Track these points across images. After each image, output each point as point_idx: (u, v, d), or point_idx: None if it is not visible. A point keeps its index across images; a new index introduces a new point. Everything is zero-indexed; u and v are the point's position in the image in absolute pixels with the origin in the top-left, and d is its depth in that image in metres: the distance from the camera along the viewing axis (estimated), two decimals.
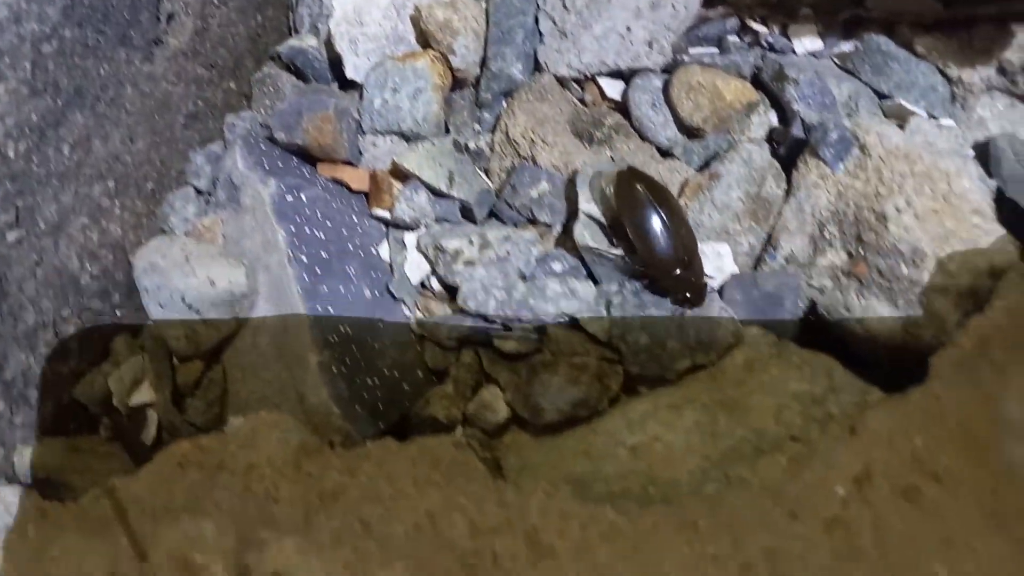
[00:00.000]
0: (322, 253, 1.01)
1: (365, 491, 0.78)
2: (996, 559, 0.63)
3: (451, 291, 1.04)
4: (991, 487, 0.65)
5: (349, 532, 0.74)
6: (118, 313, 1.08)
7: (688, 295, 0.95)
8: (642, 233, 0.96)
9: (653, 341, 0.95)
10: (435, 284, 1.06)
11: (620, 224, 0.98)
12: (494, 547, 0.72)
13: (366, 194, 1.14)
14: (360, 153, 1.17)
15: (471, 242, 1.01)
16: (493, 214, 1.09)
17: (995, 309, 0.79)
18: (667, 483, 0.78)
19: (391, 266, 1.07)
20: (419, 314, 1.05)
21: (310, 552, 0.71)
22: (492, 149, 1.14)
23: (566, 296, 0.98)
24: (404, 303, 1.06)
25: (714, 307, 0.97)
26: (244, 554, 0.72)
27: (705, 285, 0.96)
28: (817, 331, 1.01)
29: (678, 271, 0.95)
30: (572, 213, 1.04)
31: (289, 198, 1.02)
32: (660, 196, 0.97)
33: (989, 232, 0.90)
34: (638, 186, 0.97)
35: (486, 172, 1.15)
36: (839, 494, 0.69)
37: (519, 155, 1.11)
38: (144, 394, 1.04)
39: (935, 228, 0.91)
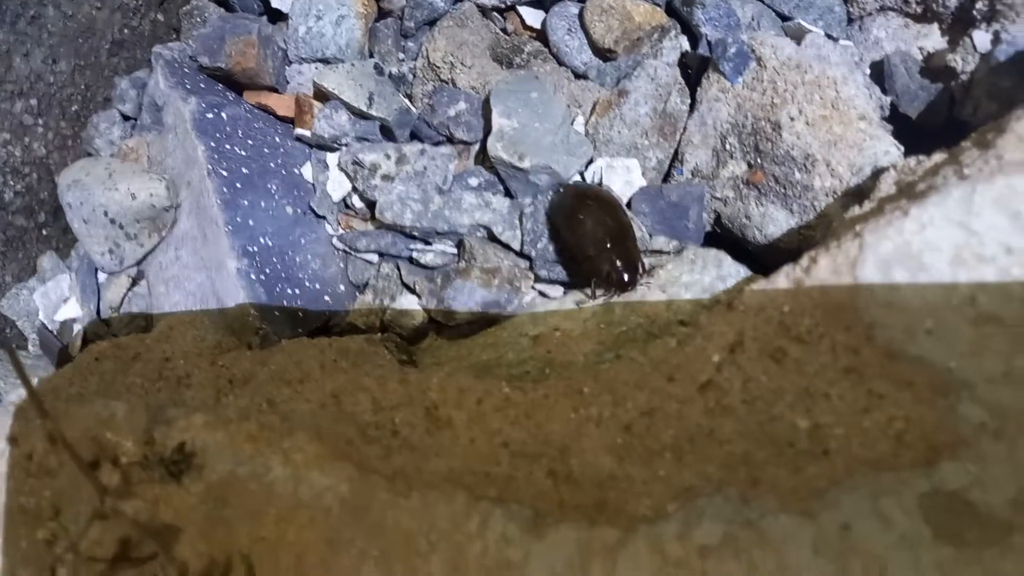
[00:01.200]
0: (243, 169, 1.04)
1: (274, 375, 0.81)
2: (850, 407, 0.68)
3: (372, 208, 1.07)
4: (851, 346, 0.70)
5: (255, 410, 0.77)
6: (44, 232, 1.09)
7: (611, 277, 0.91)
8: (568, 227, 0.97)
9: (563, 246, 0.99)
10: (356, 202, 1.09)
11: (556, 228, 1.00)
12: (394, 420, 0.76)
13: (292, 120, 1.16)
14: (287, 82, 1.19)
15: (388, 156, 1.04)
16: (414, 135, 1.12)
17: (869, 202, 0.84)
18: (563, 364, 0.82)
19: (314, 186, 1.10)
20: (341, 230, 1.08)
21: (216, 426, 0.75)
22: (415, 76, 1.18)
23: (481, 208, 1.02)
24: (326, 220, 1.09)
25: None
26: (153, 430, 0.75)
27: (624, 269, 0.91)
28: (723, 243, 1.05)
29: (593, 252, 0.92)
30: (488, 130, 1.07)
31: (210, 115, 1.05)
32: (587, 200, 0.97)
33: (874, 136, 0.95)
34: (570, 194, 0.99)
35: (409, 98, 1.18)
36: (714, 360, 0.74)
37: (440, 79, 1.14)
38: (71, 309, 1.07)
39: (824, 134, 0.96)
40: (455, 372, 0.79)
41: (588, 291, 0.93)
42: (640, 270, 0.91)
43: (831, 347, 0.70)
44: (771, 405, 0.69)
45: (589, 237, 0.93)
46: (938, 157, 0.83)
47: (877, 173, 0.91)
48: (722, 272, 0.87)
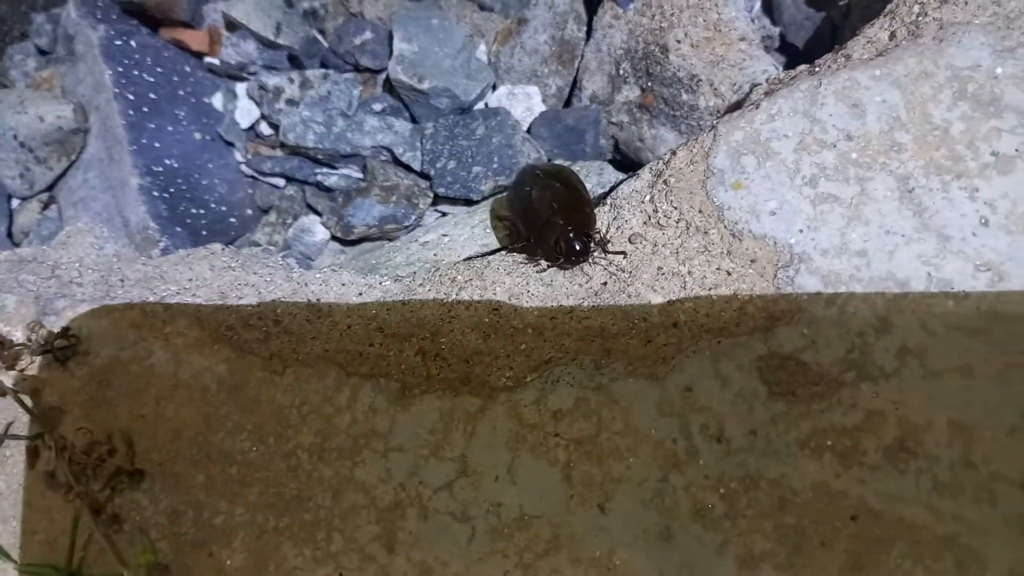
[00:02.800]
0: (150, 95, 1.06)
1: (164, 276, 0.83)
2: (699, 284, 0.71)
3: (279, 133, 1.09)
4: (702, 227, 0.74)
5: (142, 303, 0.79)
6: None
7: (559, 246, 0.75)
8: (518, 198, 0.86)
9: (459, 165, 1.02)
10: (265, 130, 1.11)
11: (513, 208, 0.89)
12: (276, 310, 0.78)
13: (206, 54, 1.18)
14: (204, 19, 1.21)
15: (292, 80, 1.06)
16: (323, 65, 1.14)
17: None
18: (447, 266, 0.85)
19: (223, 114, 1.12)
20: (249, 157, 1.10)
21: (101, 315, 0.77)
22: (327, 11, 1.20)
23: (383, 131, 1.05)
24: (235, 147, 1.11)
25: (517, 138, 1.04)
26: (42, 319, 0.77)
27: (574, 238, 0.75)
28: (623, 168, 1.09)
29: (539, 221, 0.79)
30: (391, 56, 1.10)
31: (118, 42, 1.06)
32: (537, 170, 0.86)
33: (753, 56, 0.99)
34: (524, 170, 0.88)
35: (322, 33, 1.20)
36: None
37: (349, 12, 1.17)
38: None
39: (708, 55, 1.00)
40: (340, 268, 0.81)
41: (538, 264, 0.78)
42: (591, 239, 0.75)
43: (685, 229, 0.74)
44: (628, 285, 0.73)
45: (536, 205, 0.81)
46: (802, 67, 0.88)
47: (752, 88, 0.95)
48: (603, 179, 0.91)
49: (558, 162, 0.97)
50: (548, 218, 0.77)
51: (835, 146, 0.73)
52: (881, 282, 0.68)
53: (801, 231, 0.71)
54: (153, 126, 1.03)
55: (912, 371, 0.66)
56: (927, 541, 0.61)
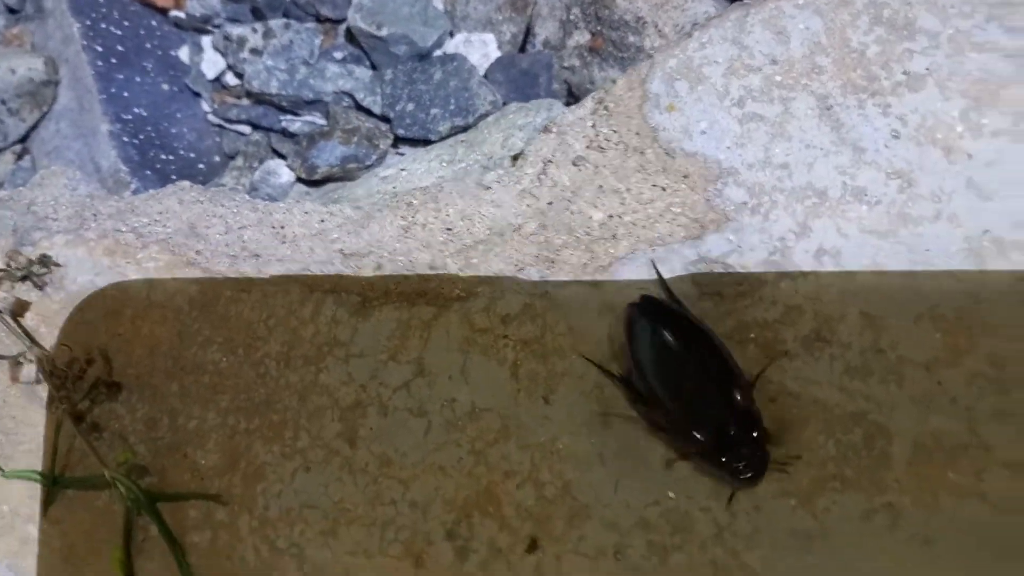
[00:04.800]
0: (118, 47, 1.10)
1: (135, 209, 0.88)
2: (636, 199, 0.77)
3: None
4: (639, 148, 0.79)
5: (115, 233, 0.84)
6: None
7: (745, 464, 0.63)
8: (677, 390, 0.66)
9: (418, 107, 1.07)
10: (231, 80, 1.15)
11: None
12: (243, 237, 0.83)
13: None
14: None
15: (255, 31, 1.11)
16: (285, 15, 1.19)
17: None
18: (404, 193, 0.90)
19: (190, 66, 1.16)
20: (215, 106, 1.15)
21: (77, 244, 0.81)
22: None
23: (344, 76, 1.09)
24: (202, 97, 1.15)
25: (473, 82, 1.09)
26: (19, 248, 0.81)
27: (764, 452, 0.64)
28: None
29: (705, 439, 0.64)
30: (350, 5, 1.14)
31: None
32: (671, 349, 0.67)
33: None
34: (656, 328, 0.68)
35: None
36: (528, 173, 0.83)
37: None
38: None
39: None
40: (302, 199, 0.86)
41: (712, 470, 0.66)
42: (768, 456, 0.64)
43: (623, 151, 0.80)
44: (571, 203, 0.79)
45: (693, 414, 0.65)
46: (735, 4, 0.93)
47: (693, 28, 1.01)
48: (552, 114, 0.96)
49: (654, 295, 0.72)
50: (718, 441, 0.63)
51: (761, 70, 0.79)
52: (801, 191, 0.75)
53: (729, 148, 0.77)
54: (121, 77, 1.07)
55: (828, 270, 0.72)
56: (839, 418, 0.67)
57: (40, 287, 0.78)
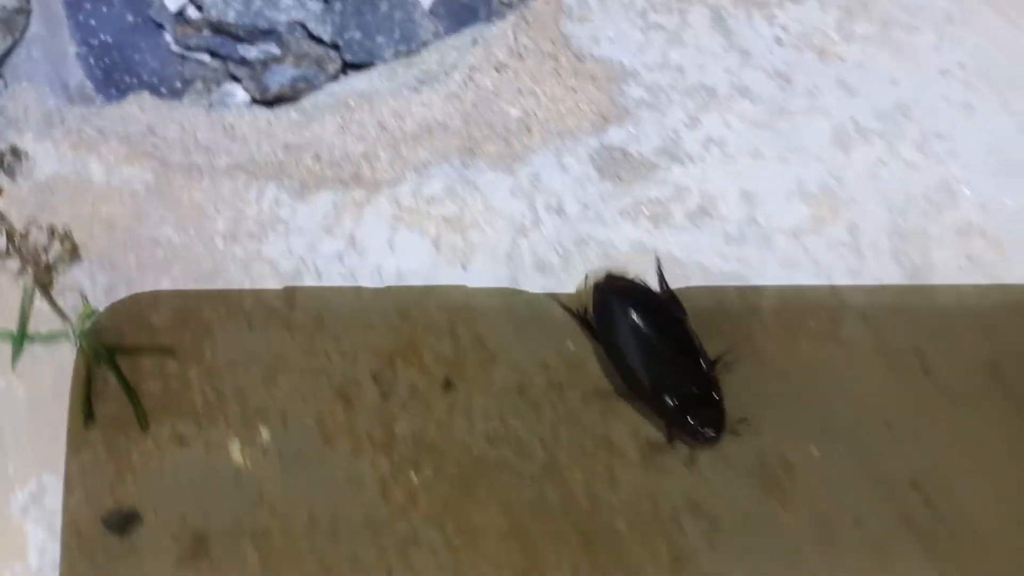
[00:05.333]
0: None
1: (100, 114, 0.96)
2: (550, 99, 0.86)
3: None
4: (552, 54, 0.89)
5: (79, 131, 0.92)
6: None
7: (698, 437, 0.71)
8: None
9: (365, 36, 1.15)
10: (192, 13, 1.23)
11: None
12: (196, 136, 0.91)
13: None
14: None
15: None
16: None
17: None
18: (342, 97, 0.98)
19: (153, 0, 1.24)
20: (177, 36, 1.22)
21: (44, 139, 0.90)
22: None
23: (296, 8, 1.18)
24: (164, 28, 1.23)
25: (417, 13, 1.18)
26: None
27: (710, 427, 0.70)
28: None
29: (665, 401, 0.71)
30: None
31: None
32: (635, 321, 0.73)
33: None
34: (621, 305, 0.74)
35: None
36: (455, 79, 0.91)
37: None
38: None
39: None
40: (253, 105, 0.95)
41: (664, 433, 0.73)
42: (723, 424, 0.70)
43: (540, 57, 0.89)
44: (492, 103, 0.88)
45: (643, 375, 0.72)
46: None
47: None
48: (484, 35, 1.05)
49: (634, 277, 0.78)
50: (670, 405, 0.70)
51: None
52: (693, 90, 0.84)
53: (632, 53, 0.86)
54: (89, 7, 1.15)
55: (714, 156, 0.82)
56: (716, 278, 0.77)
57: (11, 176, 0.86)
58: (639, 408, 0.74)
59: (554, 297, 0.77)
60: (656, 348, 0.72)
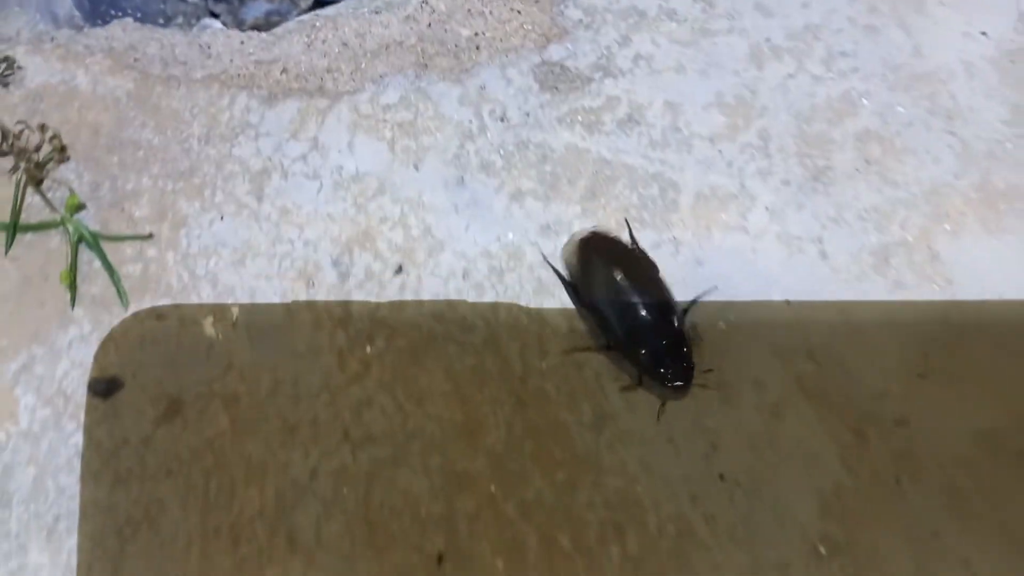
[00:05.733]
0: None
1: (86, 35, 1.03)
2: (498, 19, 0.94)
3: None
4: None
5: (67, 46, 0.99)
6: None
7: (671, 372, 0.76)
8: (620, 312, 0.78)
9: None
10: None
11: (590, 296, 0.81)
12: (175, 51, 0.99)
13: None
14: None
15: None
16: None
17: None
18: (309, 18, 1.06)
19: None
20: None
21: (35, 53, 0.97)
22: None
23: None
24: None
25: None
26: None
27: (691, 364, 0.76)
28: None
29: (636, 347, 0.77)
30: None
31: None
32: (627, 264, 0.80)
33: None
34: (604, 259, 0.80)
35: None
36: (412, 3, 1.00)
37: None
38: None
39: None
40: (227, 29, 1.02)
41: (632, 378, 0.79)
42: (693, 369, 0.76)
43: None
44: (445, 24, 0.96)
45: (619, 325, 0.77)
46: None
47: None
48: None
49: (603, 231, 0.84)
50: (641, 350, 0.76)
51: None
52: (626, 13, 0.93)
53: None
54: None
55: (642, 70, 0.90)
56: (641, 177, 0.86)
57: (4, 85, 0.94)
58: (613, 358, 0.79)
59: (546, 259, 0.83)
60: (633, 303, 0.77)
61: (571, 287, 0.82)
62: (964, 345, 0.79)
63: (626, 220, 0.84)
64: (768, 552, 0.75)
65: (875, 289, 0.81)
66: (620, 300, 0.78)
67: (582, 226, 0.84)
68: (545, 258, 0.83)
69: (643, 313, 0.77)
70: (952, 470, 0.76)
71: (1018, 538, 0.74)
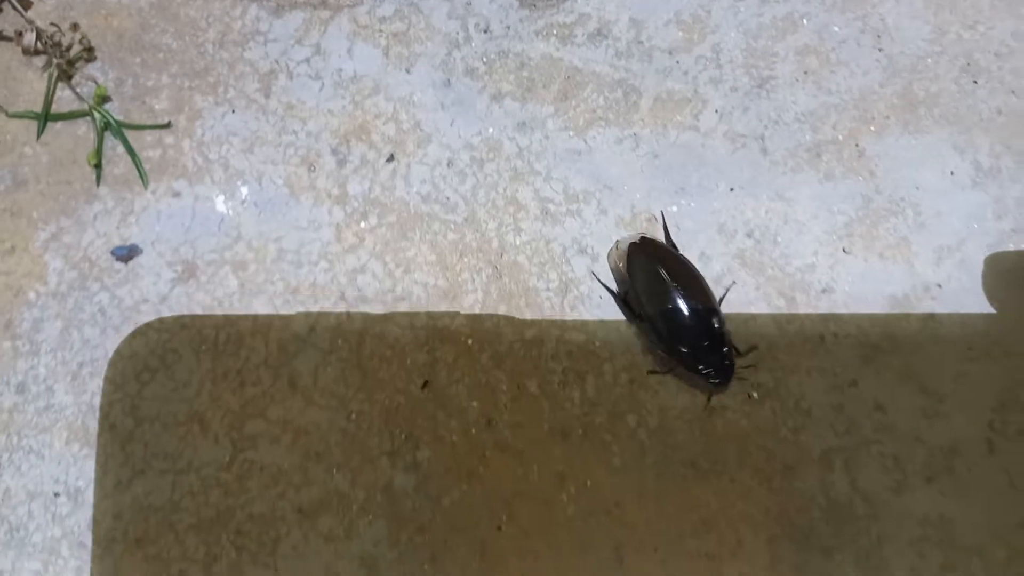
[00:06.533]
0: None
1: None
2: None
3: None
4: None
5: None
6: None
7: (715, 371, 0.81)
8: (665, 313, 0.82)
9: None
10: None
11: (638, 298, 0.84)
12: None
13: None
14: None
15: None
16: None
17: None
18: None
19: None
20: None
21: None
22: None
23: None
24: None
25: None
26: None
27: (731, 363, 0.81)
28: None
29: (687, 350, 0.81)
30: None
31: None
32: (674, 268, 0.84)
33: None
34: (651, 263, 0.84)
35: None
36: None
37: None
38: None
39: None
40: None
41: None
42: (733, 367, 0.81)
43: None
44: None
45: (683, 331, 0.81)
46: None
47: None
48: None
49: (650, 237, 0.88)
50: (696, 351, 0.80)
51: None
52: None
53: None
54: None
55: None
56: (607, 83, 0.96)
57: None
58: (663, 359, 0.84)
59: (594, 275, 0.88)
60: (677, 304, 0.81)
61: (616, 295, 0.87)
62: (881, 224, 0.90)
63: (662, 213, 0.89)
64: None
65: (808, 180, 0.91)
66: (665, 301, 0.81)
67: (555, 125, 0.94)
68: (595, 275, 0.88)
69: (686, 314, 0.80)
70: (868, 329, 0.87)
71: (924, 384, 0.85)
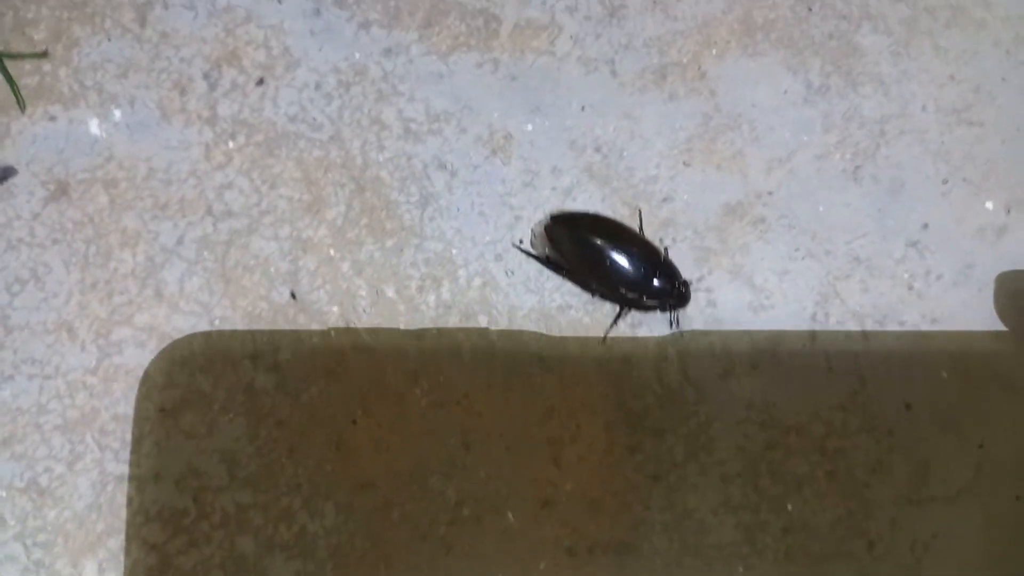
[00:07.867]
0: None
1: None
2: None
3: None
4: None
5: None
6: None
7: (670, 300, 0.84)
8: (603, 270, 0.84)
9: None
10: None
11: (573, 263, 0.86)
12: None
13: None
14: None
15: None
16: None
17: None
18: None
19: None
20: None
21: None
22: None
23: None
24: None
25: None
26: None
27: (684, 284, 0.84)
28: None
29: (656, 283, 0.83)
30: None
31: None
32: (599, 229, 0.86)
33: None
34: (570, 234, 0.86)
35: None
36: None
37: None
38: None
39: None
40: None
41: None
42: (689, 294, 0.85)
43: None
44: None
45: (620, 279, 0.84)
46: None
47: None
48: None
49: (558, 212, 0.89)
50: (641, 296, 0.83)
51: None
52: None
53: None
54: None
55: None
56: (469, 11, 0.97)
57: None
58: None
59: (517, 246, 0.89)
60: (616, 261, 0.82)
61: (555, 266, 0.87)
62: (719, 139, 0.95)
63: (639, 211, 0.89)
64: (554, 296, 0.89)
65: (654, 99, 0.95)
66: (604, 262, 0.83)
67: (419, 50, 0.97)
68: (518, 247, 0.89)
69: (628, 267, 0.82)
70: (704, 233, 0.91)
71: (750, 280, 0.89)
